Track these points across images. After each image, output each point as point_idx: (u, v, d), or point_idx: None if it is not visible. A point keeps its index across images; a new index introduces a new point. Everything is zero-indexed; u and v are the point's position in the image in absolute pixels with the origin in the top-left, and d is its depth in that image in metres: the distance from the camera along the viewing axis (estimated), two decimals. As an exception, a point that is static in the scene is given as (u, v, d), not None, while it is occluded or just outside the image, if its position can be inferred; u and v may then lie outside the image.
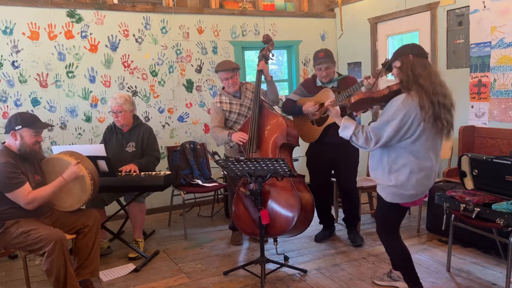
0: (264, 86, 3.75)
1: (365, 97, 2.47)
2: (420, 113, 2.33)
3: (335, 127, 3.52)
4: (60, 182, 2.85)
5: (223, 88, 3.77)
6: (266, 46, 3.65)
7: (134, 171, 3.51)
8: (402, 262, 2.70)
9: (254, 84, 3.67)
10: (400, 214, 2.68)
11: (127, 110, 3.73)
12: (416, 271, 2.70)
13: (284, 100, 4.04)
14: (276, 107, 3.82)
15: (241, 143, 3.43)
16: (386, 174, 2.51)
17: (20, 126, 2.78)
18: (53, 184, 2.85)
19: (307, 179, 3.94)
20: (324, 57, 3.57)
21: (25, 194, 2.74)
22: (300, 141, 3.81)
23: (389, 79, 4.74)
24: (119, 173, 3.50)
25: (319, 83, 3.70)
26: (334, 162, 3.75)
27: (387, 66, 2.56)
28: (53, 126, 3.02)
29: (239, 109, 3.71)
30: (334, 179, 4.05)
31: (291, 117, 3.87)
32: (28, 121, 2.83)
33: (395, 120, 2.35)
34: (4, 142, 2.89)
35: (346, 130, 2.51)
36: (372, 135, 2.42)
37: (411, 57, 2.40)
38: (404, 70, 2.39)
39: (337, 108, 2.73)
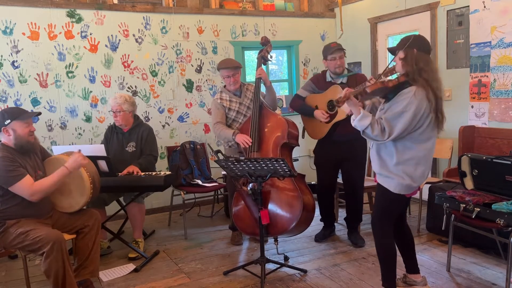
0: (262, 90, 3.76)
1: (381, 87, 2.47)
2: (428, 104, 2.40)
3: (343, 124, 3.53)
4: (62, 171, 2.81)
5: (224, 86, 3.80)
6: (265, 47, 3.65)
7: (137, 172, 3.52)
8: (387, 257, 2.66)
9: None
10: (402, 205, 2.71)
11: (126, 110, 3.74)
12: (396, 272, 2.67)
13: (286, 98, 4.03)
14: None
15: (243, 146, 3.43)
16: (393, 165, 2.51)
17: (9, 120, 2.78)
18: (56, 174, 2.81)
19: (314, 177, 3.94)
20: (337, 45, 3.62)
21: (28, 186, 2.73)
22: (302, 141, 3.81)
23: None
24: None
25: (329, 79, 3.71)
26: (341, 160, 3.74)
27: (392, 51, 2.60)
28: (40, 113, 3.06)
29: (238, 107, 3.72)
30: (338, 180, 4.04)
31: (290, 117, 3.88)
32: (15, 114, 2.82)
33: (408, 112, 2.38)
34: (1, 141, 2.89)
35: (364, 119, 2.45)
36: (386, 127, 2.43)
37: (415, 51, 2.44)
38: (409, 62, 2.44)
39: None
